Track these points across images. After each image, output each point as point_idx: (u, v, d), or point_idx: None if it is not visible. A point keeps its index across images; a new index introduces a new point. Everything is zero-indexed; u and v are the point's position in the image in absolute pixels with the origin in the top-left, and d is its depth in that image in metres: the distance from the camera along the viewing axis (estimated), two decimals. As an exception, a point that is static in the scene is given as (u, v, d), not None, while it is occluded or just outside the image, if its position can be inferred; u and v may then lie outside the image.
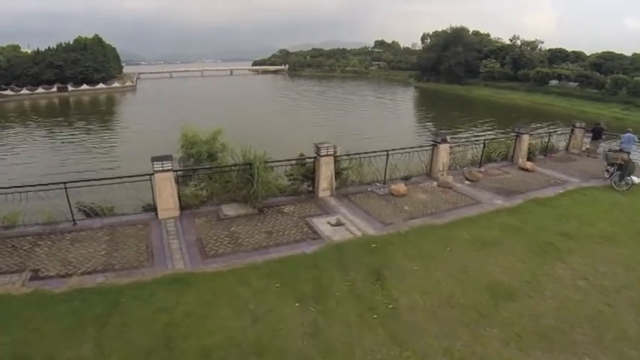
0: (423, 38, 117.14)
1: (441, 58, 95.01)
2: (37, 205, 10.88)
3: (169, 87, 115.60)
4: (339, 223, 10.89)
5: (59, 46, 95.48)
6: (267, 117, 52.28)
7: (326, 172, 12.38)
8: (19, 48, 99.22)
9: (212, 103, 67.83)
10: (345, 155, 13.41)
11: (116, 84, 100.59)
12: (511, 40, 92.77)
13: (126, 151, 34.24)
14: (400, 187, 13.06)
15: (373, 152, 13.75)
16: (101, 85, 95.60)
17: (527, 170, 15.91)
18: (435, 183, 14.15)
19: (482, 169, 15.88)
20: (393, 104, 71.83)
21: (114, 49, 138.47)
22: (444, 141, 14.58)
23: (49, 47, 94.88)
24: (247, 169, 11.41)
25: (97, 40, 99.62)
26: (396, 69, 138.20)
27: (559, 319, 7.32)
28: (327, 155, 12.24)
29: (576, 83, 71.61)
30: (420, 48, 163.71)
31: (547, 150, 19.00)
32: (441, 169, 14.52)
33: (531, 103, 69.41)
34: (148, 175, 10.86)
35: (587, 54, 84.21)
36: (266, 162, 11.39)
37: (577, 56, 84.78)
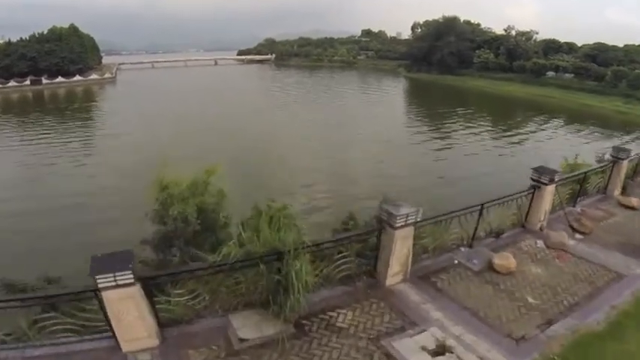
0: (414, 27, 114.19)
1: (433, 47, 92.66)
2: None
3: (151, 78, 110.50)
4: (442, 349, 6.24)
5: (32, 36, 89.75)
6: (263, 119, 47.24)
7: (401, 249, 7.75)
8: None
9: (196, 98, 63.86)
10: (431, 219, 8.51)
11: (94, 76, 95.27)
12: (505, 31, 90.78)
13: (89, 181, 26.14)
14: (508, 260, 8.69)
15: (464, 210, 8.96)
16: (78, 77, 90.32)
17: (632, 208, 12.12)
18: (539, 242, 9.91)
19: (578, 209, 11.87)
20: (391, 98, 69.14)
21: (92, 38, 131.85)
22: (552, 181, 10.15)
23: (21, 38, 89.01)
24: (273, 260, 6.43)
25: (73, 30, 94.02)
26: (384, 58, 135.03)
27: None
28: (404, 226, 7.55)
29: (572, 75, 70.20)
30: (408, 37, 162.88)
31: (635, 174, 14.30)
32: (542, 218, 10.49)
33: (529, 95, 67.73)
34: (90, 290, 5.68)
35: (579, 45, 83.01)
36: (304, 247, 6.40)
37: (570, 47, 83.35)
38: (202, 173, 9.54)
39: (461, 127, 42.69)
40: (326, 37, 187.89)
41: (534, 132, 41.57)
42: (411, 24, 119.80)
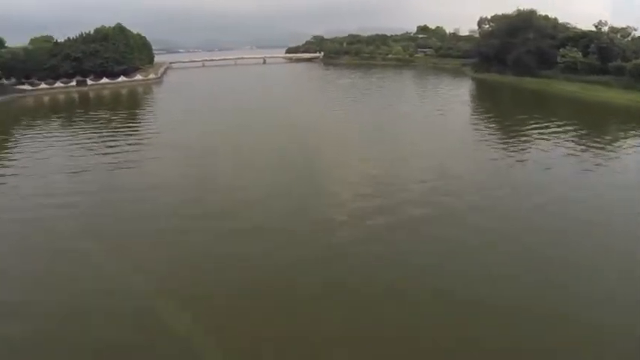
0: (481, 23, 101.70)
1: (507, 45, 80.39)
2: None
3: (200, 79, 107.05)
4: None
5: (81, 36, 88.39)
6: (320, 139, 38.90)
7: None
8: (53, 39, 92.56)
9: (248, 106, 57.50)
10: None
11: (138, 76, 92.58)
12: (596, 26, 76.51)
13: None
14: None
15: None
16: (122, 79, 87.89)
17: None
18: None
19: None
20: (458, 109, 58.66)
21: (142, 37, 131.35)
22: None
23: (68, 38, 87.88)
24: None
25: (119, 30, 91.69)
26: (445, 57, 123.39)
27: None
28: None
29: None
30: (469, 34, 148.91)
31: None
32: None
33: (634, 102, 54.61)
34: None
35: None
36: None
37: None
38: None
39: (558, 145, 32.26)
40: (378, 34, 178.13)
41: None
42: (468, 19, 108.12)
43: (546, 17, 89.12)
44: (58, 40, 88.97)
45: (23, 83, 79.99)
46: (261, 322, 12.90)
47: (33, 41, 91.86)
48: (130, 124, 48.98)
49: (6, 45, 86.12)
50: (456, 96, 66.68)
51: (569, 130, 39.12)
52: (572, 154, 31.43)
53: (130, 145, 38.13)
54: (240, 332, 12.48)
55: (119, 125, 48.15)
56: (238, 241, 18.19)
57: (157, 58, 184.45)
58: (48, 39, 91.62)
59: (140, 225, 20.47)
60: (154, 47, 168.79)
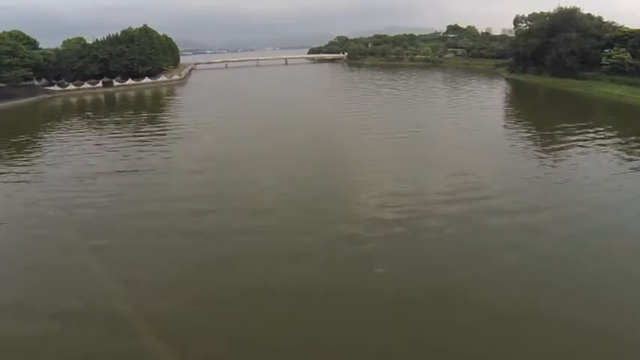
0: (517, 21, 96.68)
1: (547, 45, 75.54)
2: None
3: (222, 80, 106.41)
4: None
5: (110, 37, 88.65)
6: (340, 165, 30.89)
7: None
8: (84, 40, 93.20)
9: (270, 116, 52.68)
10: None
11: (162, 78, 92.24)
12: (647, 24, 70.88)
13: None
14: None
15: None
16: (147, 80, 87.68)
17: None
18: None
19: None
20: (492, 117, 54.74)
21: (169, 39, 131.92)
22: None
23: (96, 40, 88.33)
24: None
25: (144, 31, 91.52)
26: (477, 57, 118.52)
27: None
28: None
29: None
30: (504, 33, 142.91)
31: None
32: None
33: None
34: None
35: None
36: None
37: None
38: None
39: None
40: (405, 34, 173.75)
41: None
42: (501, 18, 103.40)
43: (589, 15, 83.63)
44: (88, 42, 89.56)
45: (53, 84, 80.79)
46: None
47: (65, 43, 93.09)
48: (153, 130, 47.48)
49: (39, 46, 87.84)
50: (490, 98, 62.61)
51: (622, 143, 34.73)
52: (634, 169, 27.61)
53: (159, 156, 36.57)
54: None
55: (143, 129, 47.00)
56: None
57: (184, 59, 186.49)
58: (79, 40, 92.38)
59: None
60: (182, 49, 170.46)
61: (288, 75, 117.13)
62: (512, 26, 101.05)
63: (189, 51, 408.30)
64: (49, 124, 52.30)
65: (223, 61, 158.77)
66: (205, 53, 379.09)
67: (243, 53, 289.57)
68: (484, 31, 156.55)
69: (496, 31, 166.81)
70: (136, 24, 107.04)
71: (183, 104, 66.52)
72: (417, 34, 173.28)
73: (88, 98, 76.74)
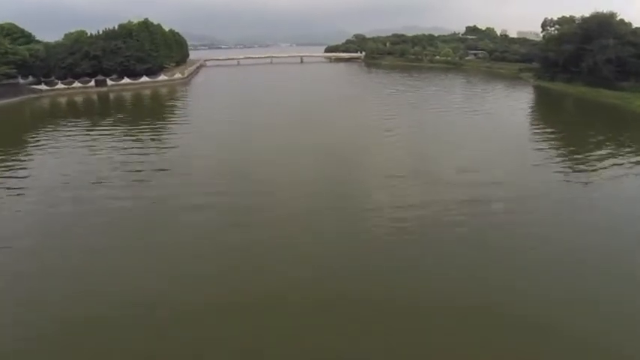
0: (545, 25, 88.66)
1: (581, 52, 67.81)
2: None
3: (232, 79, 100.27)
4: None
5: (103, 32, 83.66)
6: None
7: None
8: (86, 34, 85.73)
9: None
10: None
11: (162, 77, 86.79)
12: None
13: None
14: None
15: None
16: (145, 79, 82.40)
17: None
18: None
19: None
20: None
21: (176, 34, 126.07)
22: None
23: (90, 34, 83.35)
24: None
25: (145, 25, 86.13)
26: (499, 60, 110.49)
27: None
28: None
29: None
30: (524, 37, 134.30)
31: None
32: None
33: None
34: None
35: None
36: None
37: None
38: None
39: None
40: (424, 34, 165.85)
41: None
42: (515, 20, 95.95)
43: (623, 22, 75.55)
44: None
45: (41, 82, 75.88)
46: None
47: (67, 37, 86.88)
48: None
49: (36, 39, 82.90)
50: (521, 112, 54.85)
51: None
52: None
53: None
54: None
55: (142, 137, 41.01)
56: None
57: (197, 54, 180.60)
58: (82, 34, 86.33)
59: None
60: (196, 43, 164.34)
61: (304, 76, 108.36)
62: (529, 29, 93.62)
63: (205, 46, 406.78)
64: (30, 133, 44.58)
65: (235, 58, 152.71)
66: (221, 48, 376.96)
67: (258, 49, 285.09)
68: (501, 34, 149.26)
69: (512, 34, 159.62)
70: (155, 18, 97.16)
71: (176, 113, 56.20)
72: (435, 35, 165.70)
73: (79, 99, 71.65)
